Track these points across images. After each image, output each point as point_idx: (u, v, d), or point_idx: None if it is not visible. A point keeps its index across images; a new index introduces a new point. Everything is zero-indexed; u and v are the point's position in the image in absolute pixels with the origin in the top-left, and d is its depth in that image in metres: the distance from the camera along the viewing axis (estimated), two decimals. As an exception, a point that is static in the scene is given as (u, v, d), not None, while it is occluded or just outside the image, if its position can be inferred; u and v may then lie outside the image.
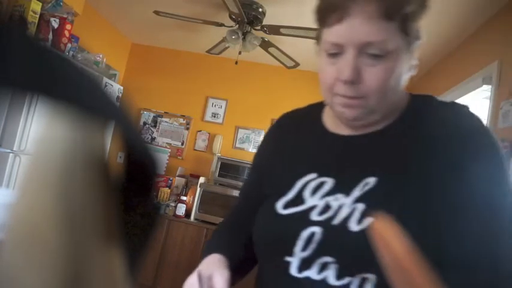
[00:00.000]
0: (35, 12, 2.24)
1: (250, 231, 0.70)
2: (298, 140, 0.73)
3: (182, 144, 3.93)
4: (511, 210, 0.55)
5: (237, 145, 3.87)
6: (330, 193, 0.62)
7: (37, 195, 0.26)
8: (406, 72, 0.62)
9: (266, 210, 0.68)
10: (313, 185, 0.65)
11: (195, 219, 3.32)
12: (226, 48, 3.04)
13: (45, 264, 0.26)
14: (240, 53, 2.89)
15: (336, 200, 0.61)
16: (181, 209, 3.35)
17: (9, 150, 2.16)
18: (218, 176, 3.50)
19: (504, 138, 1.85)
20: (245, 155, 3.77)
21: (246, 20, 2.64)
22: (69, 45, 2.53)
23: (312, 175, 0.66)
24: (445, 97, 2.73)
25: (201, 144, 3.92)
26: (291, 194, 0.65)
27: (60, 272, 0.26)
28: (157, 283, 3.18)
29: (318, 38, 0.64)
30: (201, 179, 3.44)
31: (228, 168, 3.50)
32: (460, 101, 2.54)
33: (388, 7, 0.55)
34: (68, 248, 0.26)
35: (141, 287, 3.11)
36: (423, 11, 0.59)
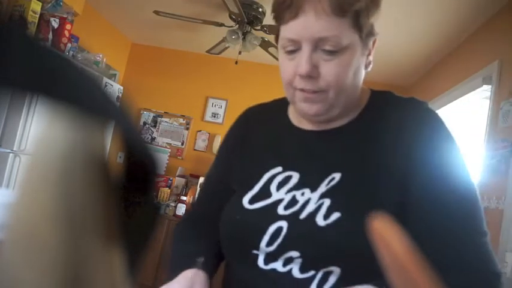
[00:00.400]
0: (35, 12, 2.24)
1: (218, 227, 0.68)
2: (264, 134, 0.74)
3: (182, 144, 3.93)
4: (474, 200, 0.57)
5: (237, 145, 3.87)
6: (296, 187, 0.63)
7: (37, 195, 0.26)
8: (363, 68, 0.64)
9: (233, 205, 0.67)
10: (279, 178, 0.65)
11: (195, 219, 3.32)
12: (226, 48, 3.04)
13: (45, 264, 0.26)
14: (240, 53, 2.90)
15: (302, 195, 0.62)
16: (181, 209, 3.35)
17: (9, 150, 2.16)
18: (218, 176, 3.49)
19: (504, 138, 1.85)
20: (245, 155, 3.76)
21: (246, 20, 2.64)
22: (69, 45, 2.54)
23: (278, 169, 0.66)
24: (445, 97, 2.73)
25: (201, 144, 3.92)
26: (257, 188, 0.66)
27: (60, 272, 0.26)
28: (157, 283, 3.17)
29: (276, 36, 0.66)
30: (201, 179, 3.44)
31: (228, 168, 3.50)
32: (460, 101, 2.54)
33: (340, 3, 0.56)
34: (68, 248, 0.26)
35: (141, 287, 3.11)
36: (375, 8, 0.60)
